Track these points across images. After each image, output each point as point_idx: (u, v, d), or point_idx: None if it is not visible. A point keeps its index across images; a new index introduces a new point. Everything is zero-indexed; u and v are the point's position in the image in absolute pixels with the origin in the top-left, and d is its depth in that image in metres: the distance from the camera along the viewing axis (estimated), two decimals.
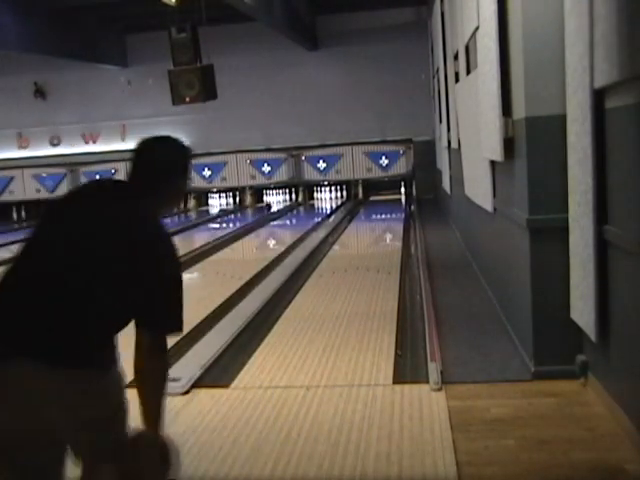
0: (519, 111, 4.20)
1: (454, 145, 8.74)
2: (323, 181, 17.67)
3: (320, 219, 14.52)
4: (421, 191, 16.39)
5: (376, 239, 12.01)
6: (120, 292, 2.09)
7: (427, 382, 4.13)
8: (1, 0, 12.40)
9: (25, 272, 2.11)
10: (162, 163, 2.28)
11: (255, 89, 17.09)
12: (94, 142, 18.30)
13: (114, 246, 2.09)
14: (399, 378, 4.31)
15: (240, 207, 17.62)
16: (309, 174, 17.53)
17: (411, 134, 16.62)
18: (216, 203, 18.18)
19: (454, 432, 3.45)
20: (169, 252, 2.19)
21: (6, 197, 18.73)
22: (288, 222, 15.08)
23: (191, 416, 3.86)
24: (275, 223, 14.21)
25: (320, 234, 11.43)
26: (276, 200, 17.87)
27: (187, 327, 5.69)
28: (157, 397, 2.17)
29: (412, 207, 14.66)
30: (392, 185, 17.17)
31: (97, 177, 18.23)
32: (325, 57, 17.03)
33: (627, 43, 2.87)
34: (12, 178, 18.60)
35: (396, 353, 4.79)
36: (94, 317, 2.05)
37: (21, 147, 18.61)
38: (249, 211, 17.11)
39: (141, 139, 2.29)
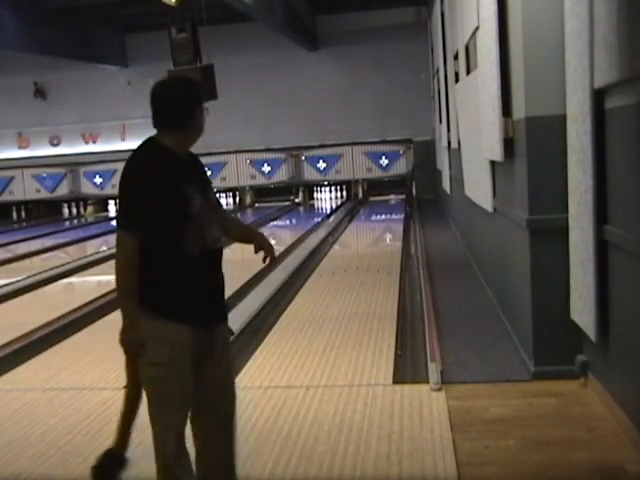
0: (519, 111, 4.20)
1: (454, 145, 8.74)
2: (323, 181, 17.67)
3: (320, 219, 14.51)
4: (421, 191, 16.40)
5: (376, 239, 12.00)
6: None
7: (427, 382, 4.13)
8: (1, 0, 12.40)
9: None
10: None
11: (255, 89, 17.09)
12: (94, 142, 18.30)
13: None
14: (399, 378, 4.31)
15: (240, 207, 17.61)
16: (309, 174, 17.54)
17: (411, 134, 16.63)
18: None
19: (454, 432, 3.45)
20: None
21: (6, 197, 18.73)
22: (288, 222, 15.08)
23: None
24: (275, 223, 14.20)
25: (320, 234, 11.43)
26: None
27: None
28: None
29: (412, 207, 14.66)
30: (392, 185, 17.17)
31: (97, 177, 18.32)
32: (325, 57, 17.04)
33: (627, 43, 2.87)
34: (12, 178, 18.60)
35: (396, 353, 4.79)
36: None
37: (21, 147, 18.61)
38: (249, 211, 17.11)
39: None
